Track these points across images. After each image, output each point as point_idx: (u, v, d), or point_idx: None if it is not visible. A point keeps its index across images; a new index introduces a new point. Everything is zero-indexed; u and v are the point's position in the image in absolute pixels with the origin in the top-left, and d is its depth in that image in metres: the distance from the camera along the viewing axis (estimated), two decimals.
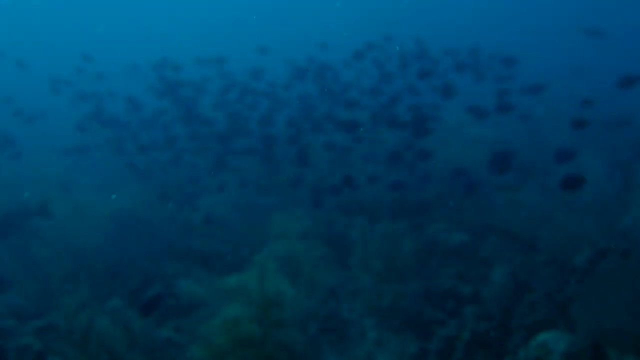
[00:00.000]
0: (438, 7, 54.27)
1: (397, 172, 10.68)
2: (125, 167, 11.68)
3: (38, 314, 8.06)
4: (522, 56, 13.59)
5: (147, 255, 9.91)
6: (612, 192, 8.67)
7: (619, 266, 5.74)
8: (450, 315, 7.18)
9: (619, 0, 45.92)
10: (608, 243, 6.60)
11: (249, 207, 11.60)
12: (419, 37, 15.70)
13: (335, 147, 11.36)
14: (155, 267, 9.51)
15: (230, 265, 9.53)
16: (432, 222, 9.93)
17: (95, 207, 9.78)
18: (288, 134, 12.15)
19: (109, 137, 13.04)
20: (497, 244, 8.35)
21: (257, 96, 14.44)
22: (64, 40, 47.03)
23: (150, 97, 14.44)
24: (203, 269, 9.41)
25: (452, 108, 13.65)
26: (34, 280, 8.73)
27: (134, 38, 55.12)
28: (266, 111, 13.13)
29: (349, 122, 10.51)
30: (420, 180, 10.23)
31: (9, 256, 8.76)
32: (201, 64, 15.43)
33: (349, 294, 8.28)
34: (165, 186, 12.38)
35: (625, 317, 5.16)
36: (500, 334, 6.08)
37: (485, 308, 6.82)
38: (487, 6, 54.73)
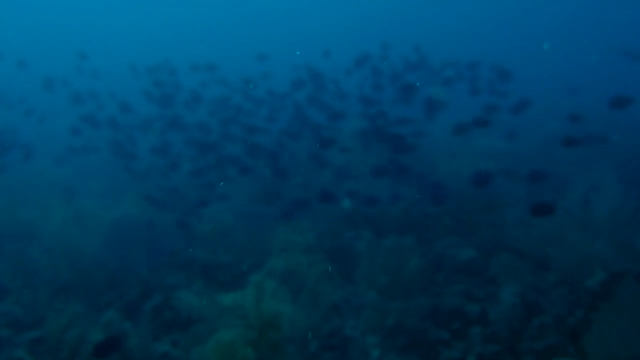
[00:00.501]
0: (435, 13, 54.41)
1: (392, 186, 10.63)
2: (127, 173, 11.60)
3: (34, 324, 7.95)
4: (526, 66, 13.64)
5: (148, 265, 9.79)
6: (628, 211, 8.43)
7: (636, 291, 5.52)
8: (456, 335, 6.97)
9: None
10: (623, 265, 6.39)
11: (253, 216, 11.47)
12: (418, 45, 15.82)
13: (318, 160, 11.31)
14: (155, 277, 9.38)
15: (233, 276, 9.41)
16: (440, 237, 9.75)
17: (96, 214, 9.68)
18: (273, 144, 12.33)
19: (108, 140, 13.01)
20: (506, 262, 8.12)
21: (249, 104, 14.67)
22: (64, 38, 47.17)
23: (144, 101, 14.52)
24: (204, 280, 9.29)
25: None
26: (31, 289, 8.62)
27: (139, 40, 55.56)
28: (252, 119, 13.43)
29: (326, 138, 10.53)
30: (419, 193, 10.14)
31: (7, 263, 8.66)
32: (196, 70, 15.58)
33: (352, 310, 8.11)
34: (165, 193, 12.33)
35: None
36: (508, 359, 5.88)
37: (493, 329, 6.62)
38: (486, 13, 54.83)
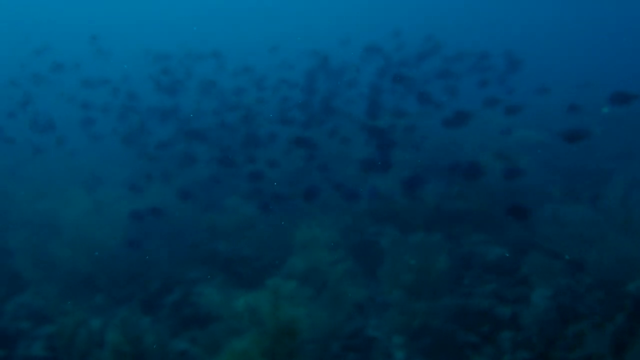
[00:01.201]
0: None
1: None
2: (148, 164, 11.53)
3: (53, 317, 7.92)
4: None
5: (169, 258, 9.70)
6: None
7: None
8: (485, 339, 6.68)
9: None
10: None
11: (276, 208, 11.28)
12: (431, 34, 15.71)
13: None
14: (176, 271, 9.28)
15: (254, 270, 9.25)
16: (469, 234, 9.43)
17: (116, 205, 9.60)
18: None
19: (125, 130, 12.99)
20: (539, 262, 7.76)
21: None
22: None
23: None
24: (225, 275, 9.15)
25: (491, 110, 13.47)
26: (51, 281, 8.60)
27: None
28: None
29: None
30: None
31: (27, 255, 8.65)
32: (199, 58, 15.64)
33: (376, 309, 7.88)
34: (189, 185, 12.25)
35: None
36: None
37: (525, 334, 6.32)
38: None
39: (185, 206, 11.12)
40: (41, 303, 8.29)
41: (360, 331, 7.26)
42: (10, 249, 9.10)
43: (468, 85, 13.88)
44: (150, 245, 9.87)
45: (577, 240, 7.73)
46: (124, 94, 14.94)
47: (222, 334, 5.91)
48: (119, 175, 12.09)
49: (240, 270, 9.23)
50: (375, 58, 15.33)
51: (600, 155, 12.11)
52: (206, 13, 58.73)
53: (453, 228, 9.61)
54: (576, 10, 51.22)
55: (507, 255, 8.48)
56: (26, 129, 14.80)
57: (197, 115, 13.73)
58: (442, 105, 11.81)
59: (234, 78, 16.70)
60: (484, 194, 10.11)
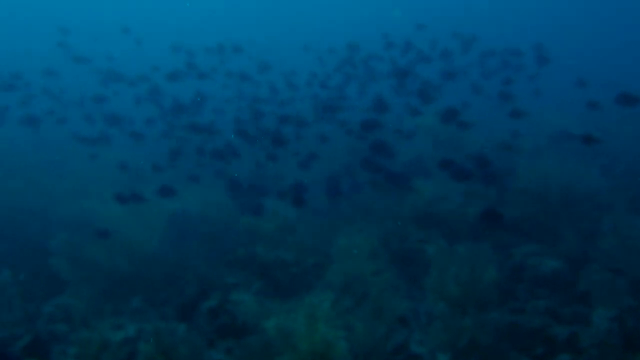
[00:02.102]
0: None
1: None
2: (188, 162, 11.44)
3: (89, 320, 7.88)
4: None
5: (207, 261, 9.57)
6: None
7: None
8: None
9: None
10: None
11: (316, 212, 11.04)
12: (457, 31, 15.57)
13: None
14: (214, 275, 9.13)
15: (293, 277, 9.02)
16: (520, 244, 8.93)
17: (155, 205, 9.52)
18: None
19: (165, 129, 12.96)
20: (599, 278, 7.23)
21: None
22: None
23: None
24: (263, 281, 8.95)
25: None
26: (89, 282, 8.58)
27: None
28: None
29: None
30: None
31: (65, 255, 8.65)
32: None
33: (420, 323, 7.51)
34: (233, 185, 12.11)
35: None
36: None
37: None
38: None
39: (224, 207, 11.01)
40: (79, 305, 8.26)
41: (403, 347, 6.90)
42: (50, 249, 9.14)
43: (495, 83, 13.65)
44: (188, 248, 9.78)
45: None
46: (160, 91, 15.02)
47: (258, 349, 5.68)
48: (159, 174, 12.01)
49: (279, 276, 9.01)
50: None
51: None
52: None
53: (502, 237, 9.13)
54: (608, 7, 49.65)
55: (563, 268, 7.97)
56: (72, 124, 14.99)
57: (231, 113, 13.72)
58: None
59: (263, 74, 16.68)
60: (537, 201, 9.58)
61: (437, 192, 9.85)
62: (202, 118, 14.58)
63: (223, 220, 10.26)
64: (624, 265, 7.29)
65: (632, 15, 50.20)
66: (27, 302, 8.05)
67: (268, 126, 13.49)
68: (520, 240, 9.01)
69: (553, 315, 6.99)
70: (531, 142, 12.91)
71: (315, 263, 9.37)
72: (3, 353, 6.19)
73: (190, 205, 10.56)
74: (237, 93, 16.58)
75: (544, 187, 9.67)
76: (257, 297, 8.30)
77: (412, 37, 15.35)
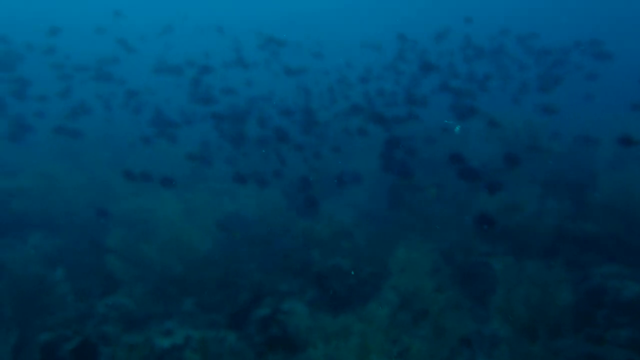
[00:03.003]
0: None
1: None
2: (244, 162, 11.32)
3: (142, 322, 7.84)
4: None
5: (260, 266, 9.38)
6: None
7: None
8: None
9: None
10: None
11: (375, 217, 10.66)
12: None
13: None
14: (267, 281, 8.92)
15: (349, 288, 8.68)
16: (599, 264, 8.21)
17: (211, 206, 9.42)
18: None
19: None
20: None
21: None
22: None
23: None
24: (318, 290, 8.66)
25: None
26: (142, 282, 8.56)
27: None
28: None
29: None
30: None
31: (120, 255, 8.67)
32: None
33: (484, 346, 7.00)
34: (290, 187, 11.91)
35: None
36: None
37: None
38: None
39: (280, 209, 10.81)
40: (131, 305, 8.24)
41: None
42: (107, 246, 9.21)
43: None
44: (242, 251, 9.62)
45: None
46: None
47: None
48: (215, 173, 12.02)
49: (334, 285, 8.68)
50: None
51: None
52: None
53: (579, 255, 8.44)
54: None
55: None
56: (135, 118, 15.23)
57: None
58: None
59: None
60: (619, 216, 8.82)
61: (507, 201, 9.24)
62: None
63: (279, 223, 10.04)
64: None
65: None
66: (80, 300, 8.09)
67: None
68: (599, 259, 8.29)
69: (637, 347, 6.32)
70: (610, 150, 12.01)
71: (372, 272, 9.01)
72: None
73: (246, 206, 10.42)
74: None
75: (627, 201, 8.89)
76: (311, 307, 8.02)
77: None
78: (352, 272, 8.96)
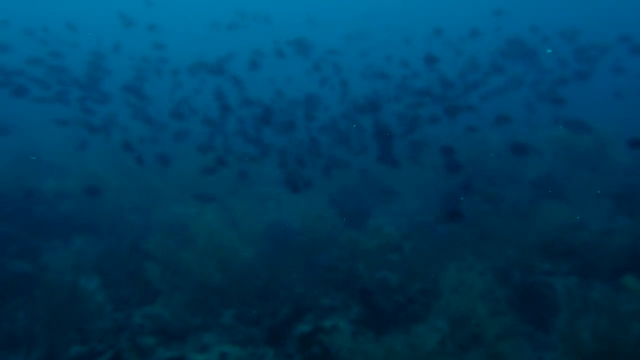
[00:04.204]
0: None
1: None
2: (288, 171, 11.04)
3: (179, 335, 7.66)
4: None
5: (303, 278, 9.06)
6: None
7: None
8: None
9: None
10: None
11: (426, 228, 10.15)
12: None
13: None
14: (309, 294, 8.60)
15: (396, 306, 8.25)
16: None
17: (252, 217, 9.18)
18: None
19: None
20: None
21: None
22: None
23: None
24: (363, 307, 8.27)
25: None
26: (180, 291, 8.39)
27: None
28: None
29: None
30: None
31: (158, 263, 8.54)
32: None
33: None
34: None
35: None
36: None
37: None
38: None
39: (326, 219, 10.47)
40: (168, 316, 8.09)
41: None
42: (147, 251, 9.12)
43: None
44: (285, 262, 9.34)
45: None
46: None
47: None
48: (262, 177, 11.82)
49: (380, 302, 8.27)
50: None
51: None
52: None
53: None
54: None
55: None
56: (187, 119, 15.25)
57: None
58: None
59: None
60: None
61: (572, 218, 8.58)
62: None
63: (324, 234, 9.69)
64: None
65: None
66: (117, 310, 7.99)
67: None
68: None
69: None
70: None
71: (421, 289, 8.55)
72: None
73: (290, 215, 10.14)
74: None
75: None
76: (354, 326, 7.65)
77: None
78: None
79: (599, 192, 9.60)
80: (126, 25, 15.44)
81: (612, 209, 8.57)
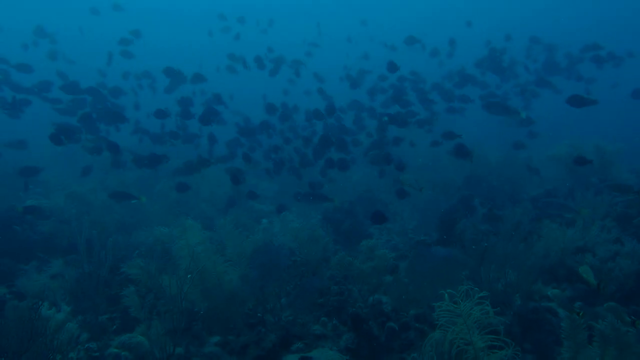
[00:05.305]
0: None
1: None
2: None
3: None
4: None
5: (292, 303, 8.72)
6: None
7: None
8: None
9: None
10: None
11: (421, 254, 9.80)
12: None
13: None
14: (299, 321, 8.27)
15: (389, 333, 7.89)
16: None
17: (238, 236, 8.84)
18: None
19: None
20: None
21: None
22: None
23: None
24: (355, 334, 7.89)
25: None
26: (161, 318, 8.02)
27: None
28: None
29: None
30: None
31: (141, 284, 8.21)
32: None
33: None
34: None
35: None
36: None
37: None
38: None
39: (318, 239, 10.12)
40: (148, 345, 7.72)
41: None
42: (127, 275, 8.79)
43: None
44: (273, 284, 8.99)
45: None
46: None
47: None
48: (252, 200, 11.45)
49: (374, 330, 7.91)
50: None
51: None
52: None
53: None
54: None
55: None
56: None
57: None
58: None
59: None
60: None
61: (577, 239, 8.24)
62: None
63: (316, 255, 9.33)
64: None
65: None
66: (93, 339, 7.63)
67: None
68: None
69: None
70: None
71: (416, 315, 8.22)
72: None
73: (279, 235, 9.81)
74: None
75: None
76: (346, 355, 7.30)
77: None
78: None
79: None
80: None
81: (618, 230, 8.24)
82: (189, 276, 8.15)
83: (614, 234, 8.13)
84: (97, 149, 11.35)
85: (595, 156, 10.88)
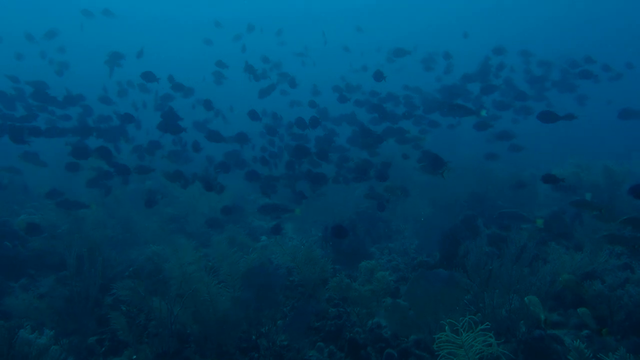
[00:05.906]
0: None
1: None
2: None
3: None
4: None
5: (287, 327, 8.43)
6: None
7: None
8: None
9: None
10: None
11: (421, 277, 9.52)
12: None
13: None
14: (294, 347, 7.98)
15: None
16: None
17: (232, 256, 8.58)
18: None
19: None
20: None
21: None
22: None
23: None
24: None
25: None
26: (150, 343, 7.76)
27: None
28: None
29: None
30: None
31: (123, 311, 7.94)
32: None
33: None
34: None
35: None
36: None
37: None
38: None
39: (315, 260, 9.86)
40: None
41: None
42: (116, 296, 8.55)
43: None
44: (268, 307, 8.72)
45: None
46: None
47: None
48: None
49: (371, 357, 7.63)
50: None
51: None
52: None
53: None
54: None
55: None
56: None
57: None
58: None
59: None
60: None
61: (585, 265, 7.95)
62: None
63: (313, 276, 9.05)
64: None
65: None
66: None
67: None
68: None
69: None
70: None
71: (416, 341, 7.93)
72: None
73: (275, 255, 9.55)
74: None
75: None
76: None
77: None
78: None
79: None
80: None
81: (628, 255, 7.96)
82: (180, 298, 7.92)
83: (624, 260, 7.86)
84: (107, 174, 11.30)
85: (603, 177, 10.65)
